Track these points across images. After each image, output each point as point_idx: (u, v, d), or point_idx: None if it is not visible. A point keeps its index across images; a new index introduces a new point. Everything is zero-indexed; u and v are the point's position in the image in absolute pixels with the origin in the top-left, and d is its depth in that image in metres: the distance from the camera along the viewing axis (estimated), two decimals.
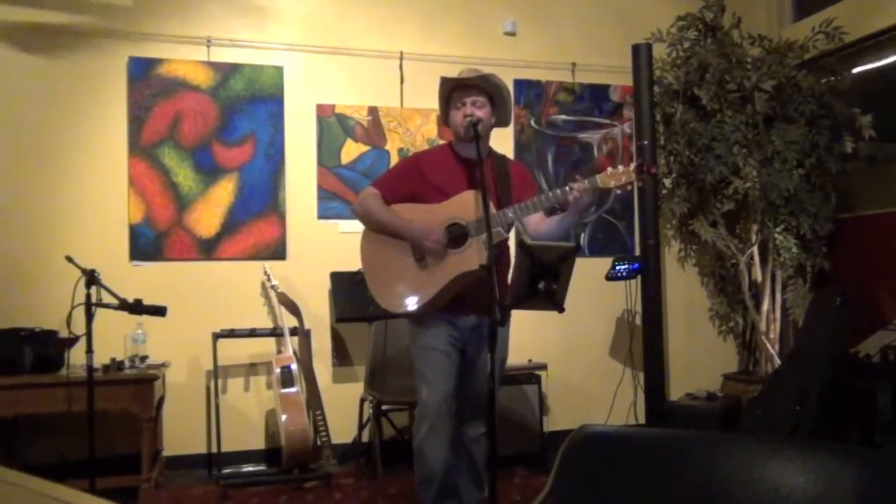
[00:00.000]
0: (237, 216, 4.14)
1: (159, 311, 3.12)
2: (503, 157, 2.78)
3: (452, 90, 2.66)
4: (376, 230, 2.69)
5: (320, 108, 4.30)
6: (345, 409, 4.07)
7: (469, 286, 2.52)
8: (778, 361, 4.26)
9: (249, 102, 4.18)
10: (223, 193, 4.12)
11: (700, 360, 4.81)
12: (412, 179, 2.69)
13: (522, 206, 2.54)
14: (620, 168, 2.46)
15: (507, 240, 2.67)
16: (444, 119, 2.79)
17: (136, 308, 3.07)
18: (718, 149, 4.30)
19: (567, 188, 2.46)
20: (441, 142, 2.83)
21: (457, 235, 2.57)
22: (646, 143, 4.08)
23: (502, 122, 2.76)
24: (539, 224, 2.68)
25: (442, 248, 2.54)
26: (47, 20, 3.91)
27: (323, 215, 4.27)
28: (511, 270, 2.43)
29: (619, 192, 2.53)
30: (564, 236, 2.69)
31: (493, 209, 2.48)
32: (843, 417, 3.41)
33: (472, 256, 2.49)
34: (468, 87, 2.64)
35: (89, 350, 2.99)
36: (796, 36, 4.46)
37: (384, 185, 2.74)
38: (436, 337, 2.61)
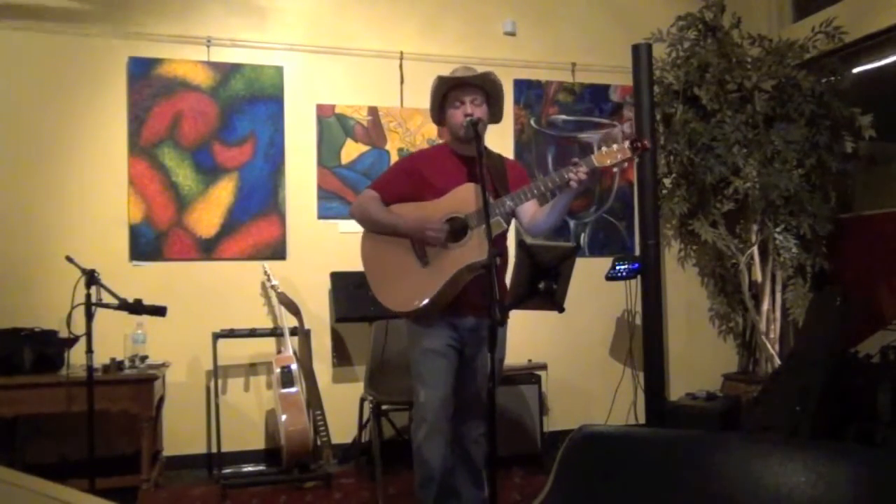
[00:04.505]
0: (237, 216, 4.14)
1: (159, 311, 3.12)
2: (499, 156, 2.76)
3: (450, 88, 2.63)
4: (375, 231, 2.66)
5: (320, 108, 4.30)
6: (345, 409, 4.08)
7: (471, 284, 2.50)
8: (778, 361, 4.26)
9: (249, 102, 4.18)
10: (223, 193, 4.13)
11: (700, 360, 4.81)
12: (410, 179, 2.67)
13: (520, 193, 2.50)
14: (615, 146, 2.41)
15: (506, 234, 2.62)
16: (438, 118, 2.76)
17: (136, 308, 3.08)
18: (718, 149, 4.30)
19: (564, 171, 2.42)
20: (440, 142, 2.81)
21: (457, 228, 2.54)
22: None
23: (495, 119, 2.73)
24: (535, 215, 2.65)
25: (443, 238, 2.51)
26: (47, 20, 3.91)
27: (323, 215, 4.27)
28: (511, 270, 2.42)
29: (616, 170, 2.46)
30: (561, 221, 2.65)
31: (491, 200, 2.46)
32: (843, 417, 3.41)
33: (474, 248, 2.46)
34: (466, 86, 2.62)
35: (89, 350, 2.99)
36: (796, 36, 4.46)
37: (382, 186, 2.72)
38: (435, 339, 2.59)
